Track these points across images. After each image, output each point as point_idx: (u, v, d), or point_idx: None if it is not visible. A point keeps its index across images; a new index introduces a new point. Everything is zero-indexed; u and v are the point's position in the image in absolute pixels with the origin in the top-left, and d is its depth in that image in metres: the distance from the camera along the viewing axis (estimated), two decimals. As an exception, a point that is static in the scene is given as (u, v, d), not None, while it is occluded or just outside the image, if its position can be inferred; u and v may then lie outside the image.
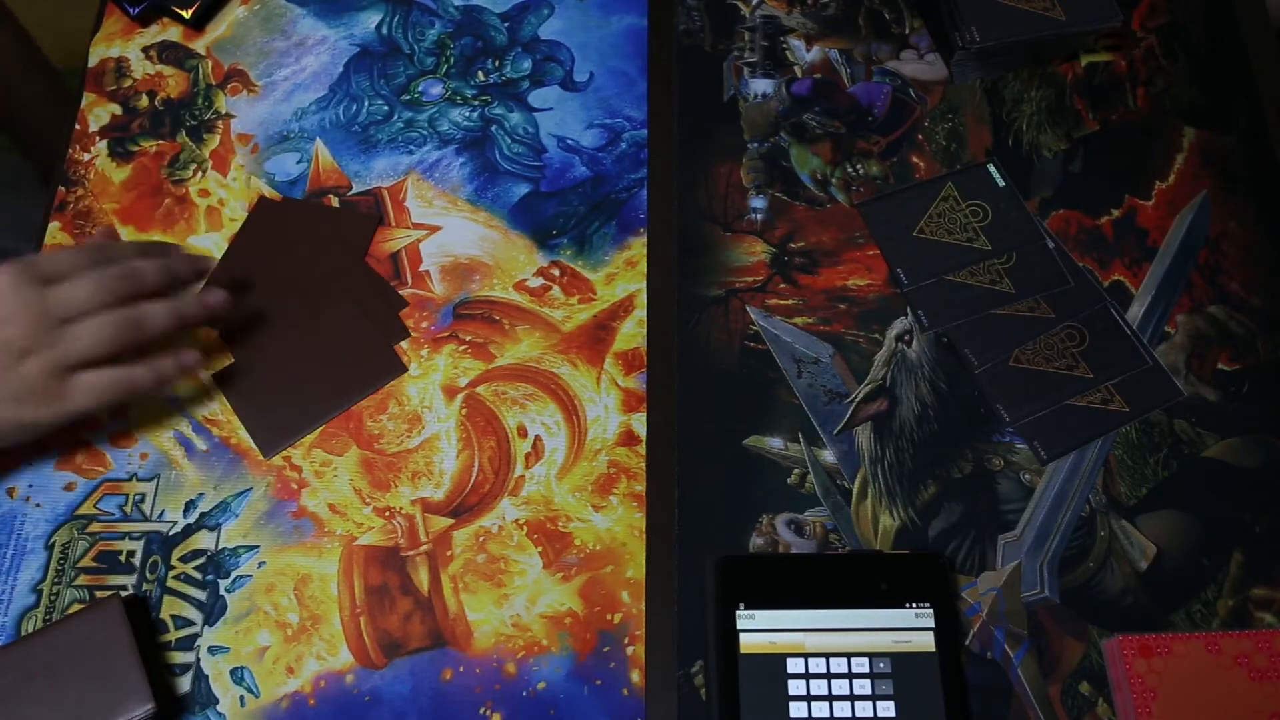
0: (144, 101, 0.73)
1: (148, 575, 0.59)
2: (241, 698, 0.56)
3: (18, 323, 0.54)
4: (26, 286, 0.55)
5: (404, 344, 0.65)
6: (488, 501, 0.61)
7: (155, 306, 0.58)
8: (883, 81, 0.72)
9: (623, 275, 0.66)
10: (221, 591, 0.59)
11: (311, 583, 0.59)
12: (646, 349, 0.64)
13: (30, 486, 0.61)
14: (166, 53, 0.75)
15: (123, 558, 0.59)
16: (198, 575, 0.59)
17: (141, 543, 0.60)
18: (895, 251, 0.66)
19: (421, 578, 0.59)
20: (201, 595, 0.59)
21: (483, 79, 0.73)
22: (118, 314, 0.56)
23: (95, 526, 0.60)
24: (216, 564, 0.59)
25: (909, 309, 0.65)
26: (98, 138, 0.71)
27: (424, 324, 0.65)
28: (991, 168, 0.69)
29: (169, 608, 0.58)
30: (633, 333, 0.65)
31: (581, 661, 0.56)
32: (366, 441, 0.62)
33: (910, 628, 0.54)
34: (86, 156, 0.71)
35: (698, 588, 0.58)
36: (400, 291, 0.66)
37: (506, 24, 0.75)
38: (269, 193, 0.69)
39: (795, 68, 0.73)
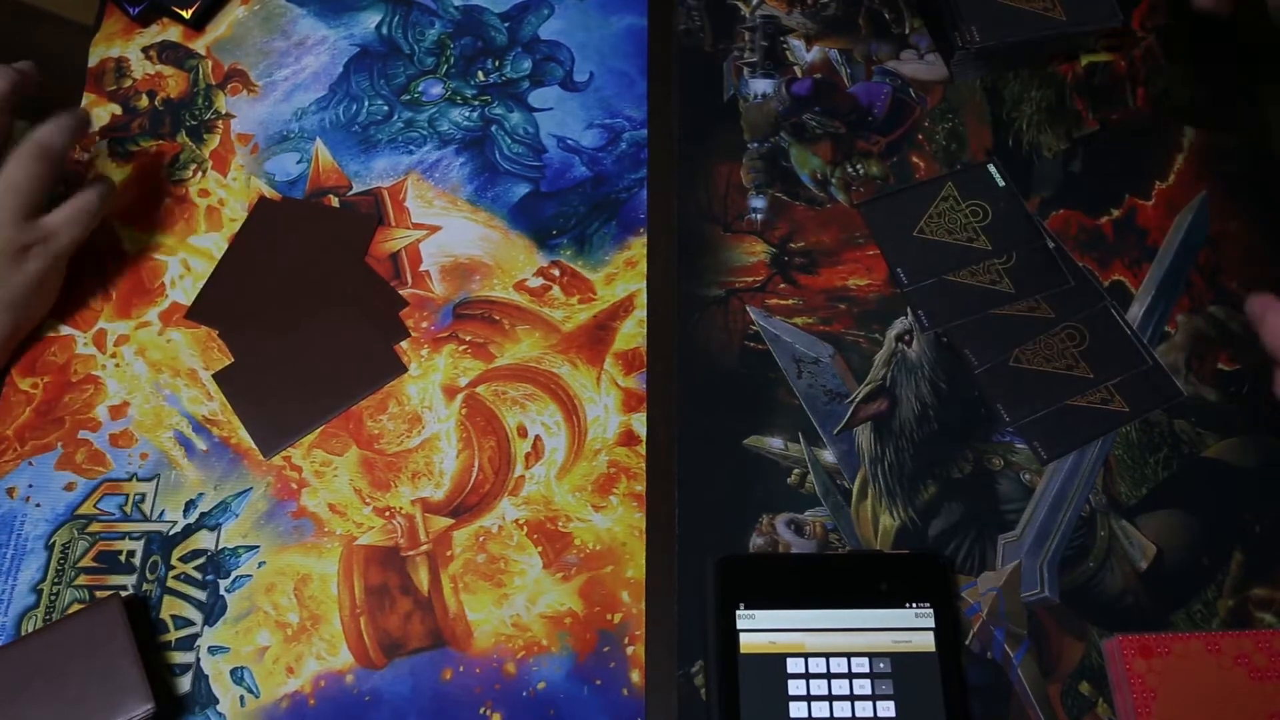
0: (144, 101, 0.73)
1: (148, 575, 0.59)
2: (241, 698, 0.56)
3: None
4: None
5: (404, 344, 0.65)
6: (488, 501, 0.61)
7: (36, 143, 0.59)
8: (883, 81, 0.72)
9: (623, 275, 0.66)
10: (221, 591, 0.59)
11: (311, 583, 0.59)
12: (646, 349, 0.64)
13: (30, 486, 0.61)
14: (166, 53, 0.75)
15: (123, 558, 0.59)
16: (198, 575, 0.59)
17: (141, 543, 0.60)
18: (895, 251, 0.66)
19: (421, 578, 0.59)
20: (201, 595, 0.59)
21: (483, 79, 0.73)
22: (24, 155, 0.58)
23: (95, 526, 0.60)
24: (216, 564, 0.59)
25: (909, 309, 0.65)
26: (97, 138, 0.71)
27: (424, 324, 0.65)
28: (991, 168, 0.69)
29: (169, 608, 0.58)
30: (633, 333, 0.65)
31: (581, 661, 0.56)
32: (366, 441, 0.62)
33: (910, 628, 0.54)
34: (86, 156, 0.71)
35: (698, 588, 0.58)
36: (400, 291, 0.66)
37: (506, 24, 0.75)
38: (269, 193, 0.69)
39: (795, 68, 0.73)
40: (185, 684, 0.56)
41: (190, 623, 0.58)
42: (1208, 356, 0.63)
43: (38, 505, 0.61)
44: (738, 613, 0.55)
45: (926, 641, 0.54)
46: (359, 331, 0.65)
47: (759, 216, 0.68)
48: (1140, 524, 0.59)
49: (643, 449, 0.62)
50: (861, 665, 0.53)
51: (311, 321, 0.65)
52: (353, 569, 0.59)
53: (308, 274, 0.67)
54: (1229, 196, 0.68)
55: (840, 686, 0.53)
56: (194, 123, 0.72)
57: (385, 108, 0.72)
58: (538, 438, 0.62)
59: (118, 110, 0.72)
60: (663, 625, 0.58)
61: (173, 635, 0.58)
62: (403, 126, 0.71)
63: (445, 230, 0.68)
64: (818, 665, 0.53)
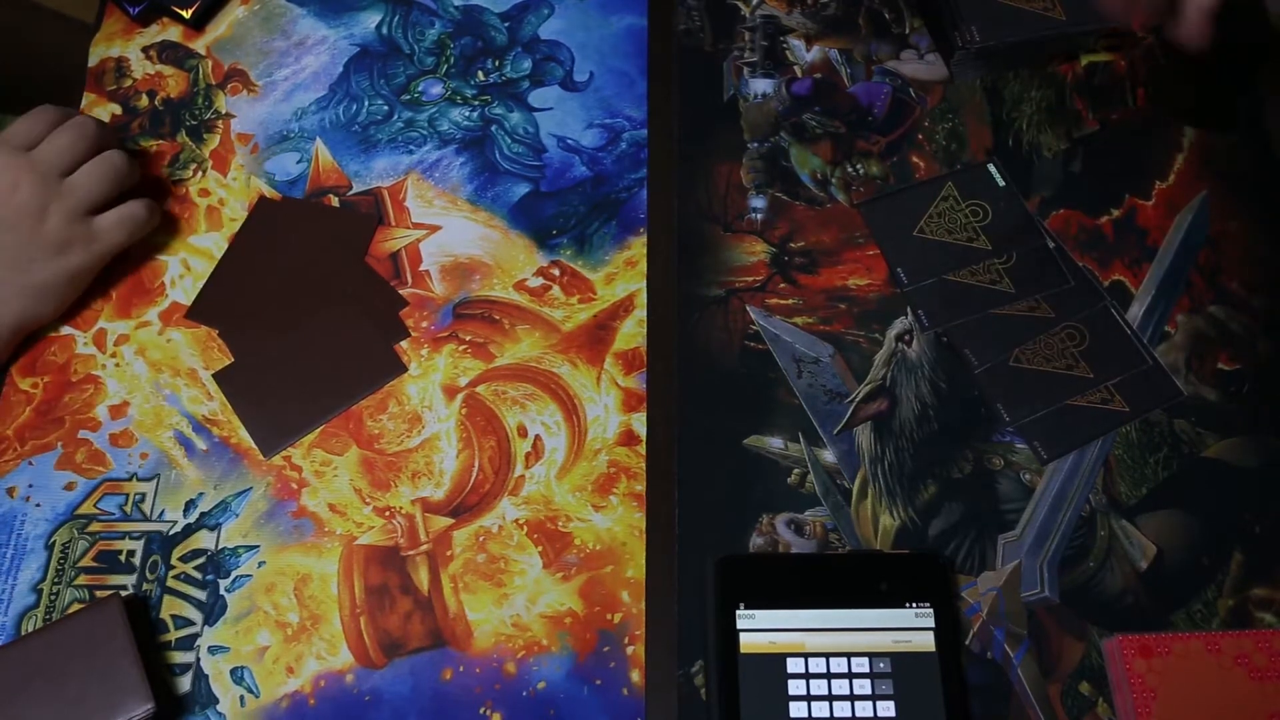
0: (144, 101, 0.73)
1: (148, 575, 0.59)
2: (241, 698, 0.56)
3: (24, 186, 0.60)
4: (14, 155, 0.61)
5: (404, 344, 0.65)
6: (488, 501, 0.61)
7: (114, 153, 0.64)
8: (883, 81, 0.72)
9: (623, 275, 0.66)
10: (221, 591, 0.59)
11: (311, 582, 0.59)
12: (646, 349, 0.64)
13: (30, 486, 0.61)
14: (166, 53, 0.75)
15: (123, 557, 0.59)
16: (198, 575, 0.59)
17: (141, 542, 0.60)
18: (895, 251, 0.66)
19: (421, 578, 0.59)
20: (201, 595, 0.59)
21: (483, 79, 0.73)
22: (100, 161, 0.63)
23: (95, 526, 0.60)
24: (216, 564, 0.59)
25: (909, 309, 0.65)
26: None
27: (424, 324, 0.65)
28: (991, 168, 0.69)
29: (169, 608, 0.58)
30: (633, 333, 0.65)
31: (581, 661, 0.56)
32: (366, 441, 0.62)
33: (910, 628, 0.54)
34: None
35: (698, 588, 0.58)
36: (400, 291, 0.66)
37: (506, 24, 0.75)
38: (269, 193, 0.69)
39: (795, 68, 0.73)
40: (185, 684, 0.56)
41: (190, 622, 0.58)
42: (1208, 356, 0.63)
43: (38, 505, 0.61)
44: (738, 613, 0.55)
45: (926, 641, 0.54)
46: (359, 331, 0.65)
47: (759, 216, 0.68)
48: (1140, 524, 0.59)
49: (643, 449, 0.62)
50: (861, 665, 0.53)
51: (311, 321, 0.65)
52: (353, 569, 0.59)
53: (308, 274, 0.67)
54: (1229, 196, 0.68)
55: (840, 686, 0.53)
56: (194, 123, 0.72)
57: (385, 107, 0.72)
58: (538, 437, 0.62)
59: (118, 110, 0.72)
60: (663, 625, 0.58)
61: (173, 635, 0.58)
62: (403, 126, 0.71)
63: (445, 230, 0.68)
64: (818, 665, 0.53)
